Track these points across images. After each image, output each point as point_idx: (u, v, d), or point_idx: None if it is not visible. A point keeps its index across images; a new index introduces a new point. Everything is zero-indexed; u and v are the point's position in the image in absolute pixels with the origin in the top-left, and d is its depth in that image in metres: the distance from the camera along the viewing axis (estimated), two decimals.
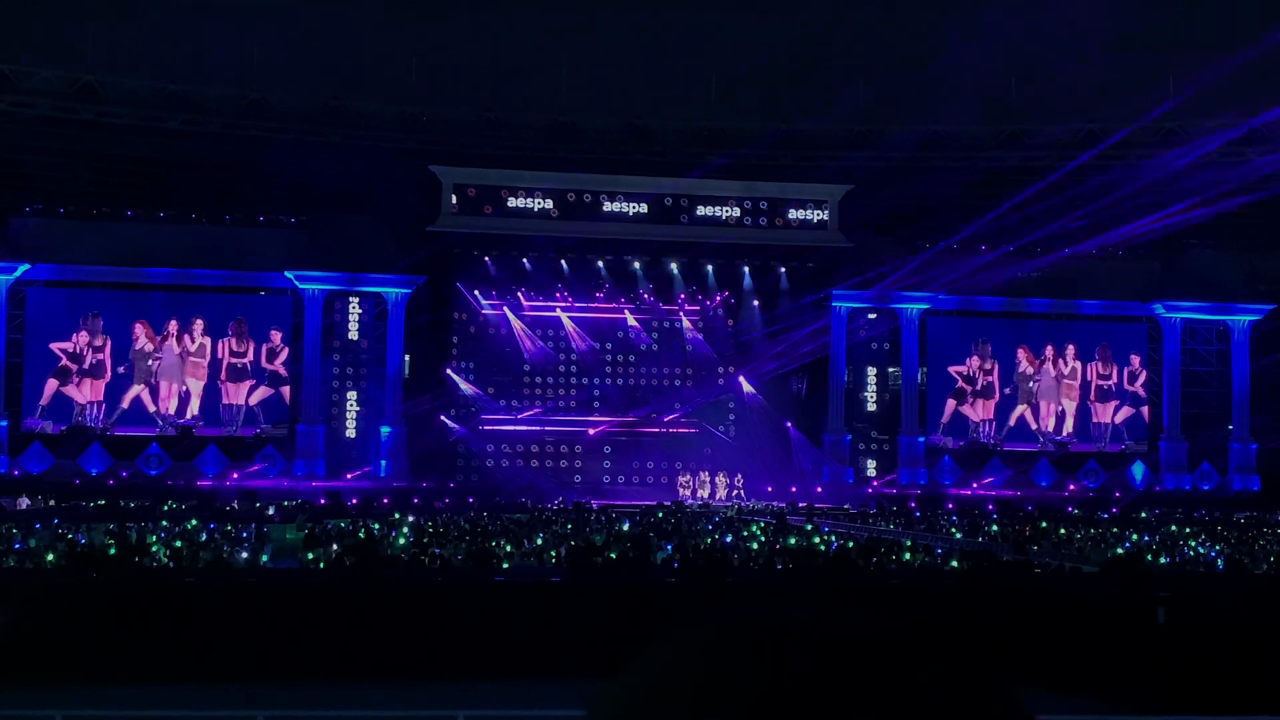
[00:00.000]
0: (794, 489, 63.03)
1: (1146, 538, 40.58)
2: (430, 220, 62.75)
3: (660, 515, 49.54)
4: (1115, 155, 63.40)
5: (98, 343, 60.98)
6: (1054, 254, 63.85)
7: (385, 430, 61.76)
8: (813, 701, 1.31)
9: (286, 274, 61.14)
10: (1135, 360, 67.74)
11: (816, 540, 36.17)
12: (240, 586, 23.92)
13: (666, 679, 1.38)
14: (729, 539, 37.00)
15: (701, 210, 64.96)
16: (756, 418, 67.65)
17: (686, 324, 69.71)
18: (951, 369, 66.72)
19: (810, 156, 64.21)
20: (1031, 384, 67.26)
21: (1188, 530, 44.58)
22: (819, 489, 62.44)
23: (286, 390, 62.34)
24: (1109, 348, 67.60)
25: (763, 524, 44.46)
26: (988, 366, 67.00)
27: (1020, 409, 67.05)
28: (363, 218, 61.02)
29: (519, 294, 67.73)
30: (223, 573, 25.88)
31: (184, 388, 61.89)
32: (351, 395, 63.30)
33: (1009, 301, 65.88)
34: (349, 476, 60.83)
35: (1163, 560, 32.77)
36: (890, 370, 66.95)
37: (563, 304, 68.17)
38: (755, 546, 34.26)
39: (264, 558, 30.54)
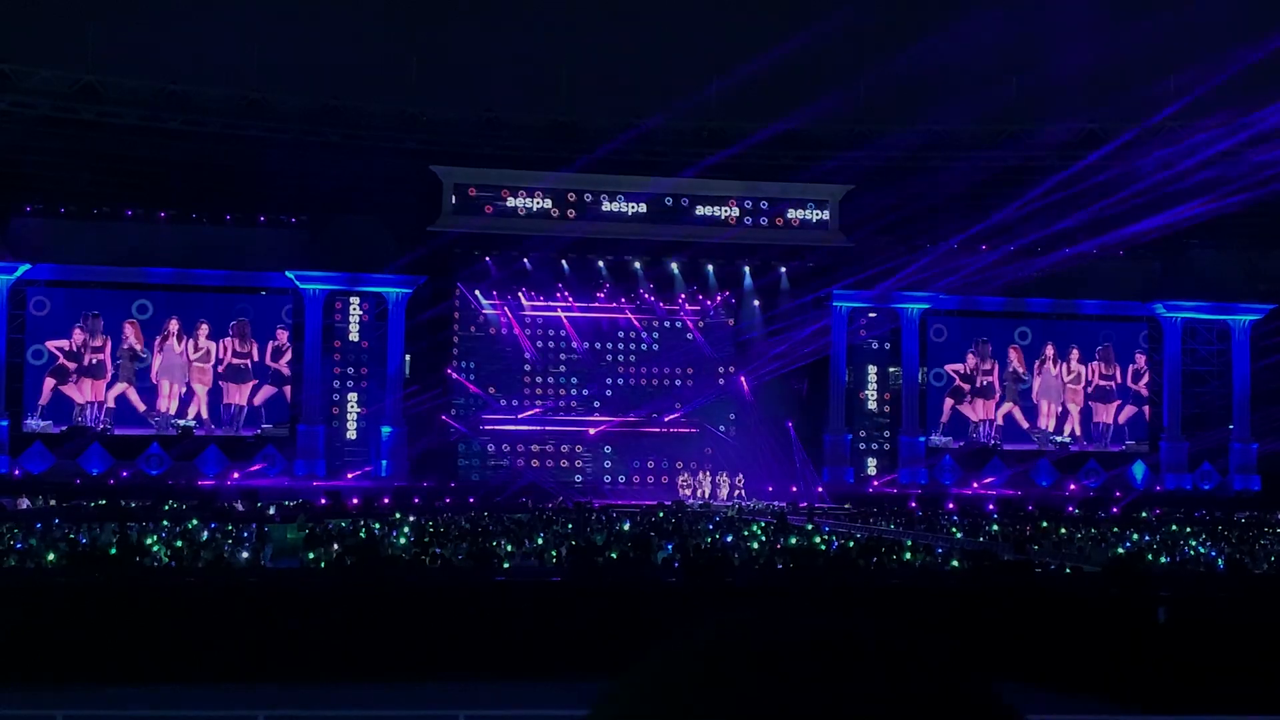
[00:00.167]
0: (794, 489, 63.06)
1: (1147, 537, 40.57)
2: (431, 220, 62.76)
3: (661, 515, 49.54)
4: (1116, 154, 63.34)
5: (96, 343, 60.99)
6: (1055, 253, 63.84)
7: (386, 430, 61.77)
8: (814, 705, 1.31)
9: (287, 274, 61.17)
10: (1139, 360, 67.78)
11: (817, 540, 36.17)
12: (241, 586, 23.92)
13: (670, 681, 1.38)
14: (730, 539, 37.00)
15: (702, 210, 64.98)
16: (757, 417, 67.64)
17: (687, 324, 69.78)
18: (948, 368, 66.74)
19: (811, 156, 64.18)
20: (1024, 384, 67.27)
21: (1188, 530, 44.57)
22: (819, 489, 62.45)
23: (288, 390, 62.39)
24: (1111, 348, 67.62)
25: (763, 524, 44.46)
26: (987, 366, 67.00)
27: (1007, 407, 67.00)
28: (363, 217, 61.04)
29: (519, 294, 67.77)
30: (223, 572, 25.89)
31: (183, 389, 61.84)
32: (352, 395, 63.32)
33: (1010, 301, 65.93)
34: (350, 476, 60.86)
35: (1163, 560, 32.78)
36: (891, 370, 66.99)
37: (563, 304, 68.22)
38: (756, 546, 34.27)
39: (265, 558, 30.55)
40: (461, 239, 63.71)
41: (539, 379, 69.40)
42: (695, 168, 62.74)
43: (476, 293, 67.26)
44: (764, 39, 58.98)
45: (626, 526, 41.31)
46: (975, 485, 64.09)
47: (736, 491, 64.45)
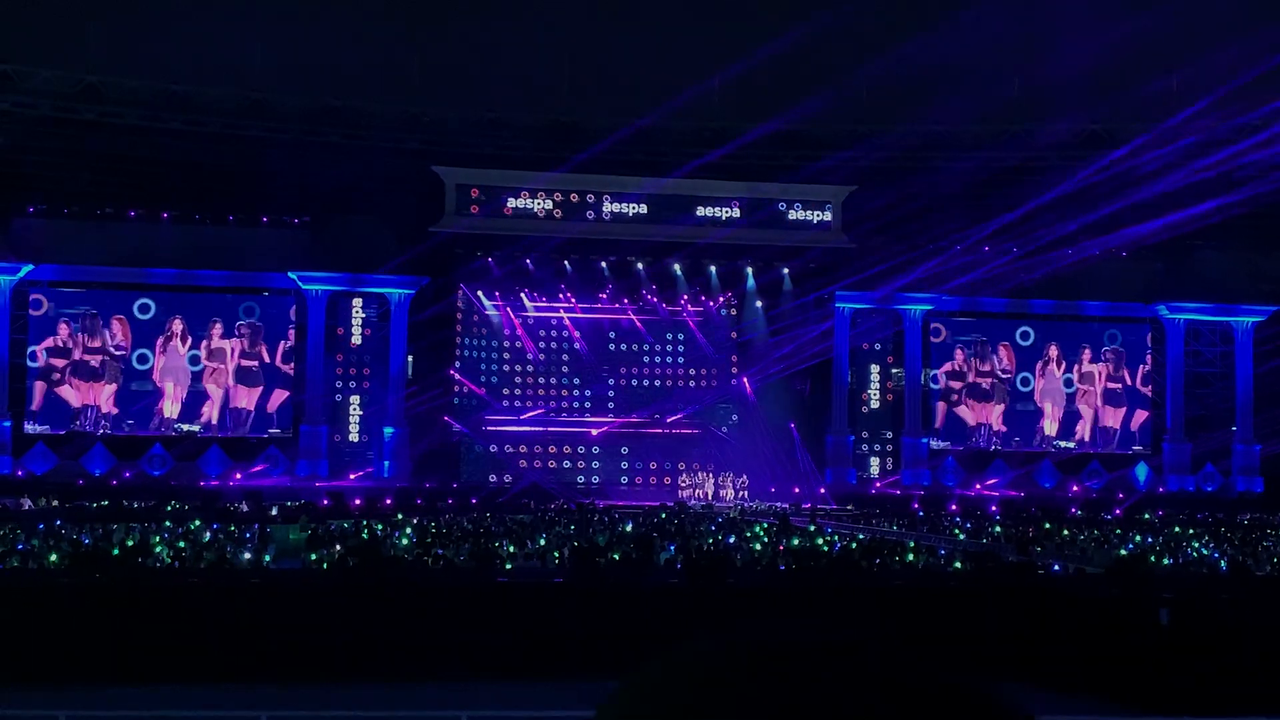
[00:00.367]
0: (797, 490, 63.04)
1: (1150, 539, 40.54)
2: (433, 220, 62.75)
3: (663, 516, 49.54)
4: (1119, 154, 63.25)
5: (94, 343, 60.92)
6: (1057, 254, 63.77)
7: (388, 431, 61.77)
8: (817, 711, 1.30)
9: (290, 275, 61.20)
10: (1142, 361, 67.74)
11: (820, 541, 36.15)
12: (243, 587, 23.92)
13: (674, 686, 1.38)
14: (732, 540, 36.99)
15: (704, 211, 64.94)
16: (759, 418, 67.61)
17: (689, 325, 69.78)
18: (940, 370, 66.56)
19: (812, 156, 64.13)
20: (1027, 386, 67.19)
21: (1191, 532, 44.53)
22: (821, 490, 62.44)
23: (288, 391, 62.47)
24: (1123, 352, 67.52)
25: (766, 525, 44.44)
26: (985, 368, 66.89)
27: (999, 409, 66.84)
28: (365, 218, 61.09)
29: (522, 294, 67.79)
30: (226, 573, 25.90)
31: (185, 392, 61.71)
32: (354, 398, 63.28)
33: (1012, 302, 65.91)
34: (352, 477, 60.87)
35: (1166, 562, 32.76)
36: (894, 371, 66.96)
37: (565, 304, 68.24)
38: (758, 548, 34.26)
39: (267, 558, 30.56)
40: (463, 239, 63.71)
41: (541, 380, 69.43)
42: (697, 166, 62.66)
43: (479, 293, 67.28)
44: (766, 39, 58.85)
45: (629, 528, 41.30)
46: (978, 486, 64.07)
47: (739, 492, 64.45)
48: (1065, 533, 43.41)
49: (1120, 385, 67.51)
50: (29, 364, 60.16)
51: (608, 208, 64.43)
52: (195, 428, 61.40)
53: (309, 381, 61.53)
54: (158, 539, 33.37)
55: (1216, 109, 60.02)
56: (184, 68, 62.89)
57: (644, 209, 64.53)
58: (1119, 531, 44.08)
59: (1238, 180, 60.51)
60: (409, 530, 38.35)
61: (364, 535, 36.34)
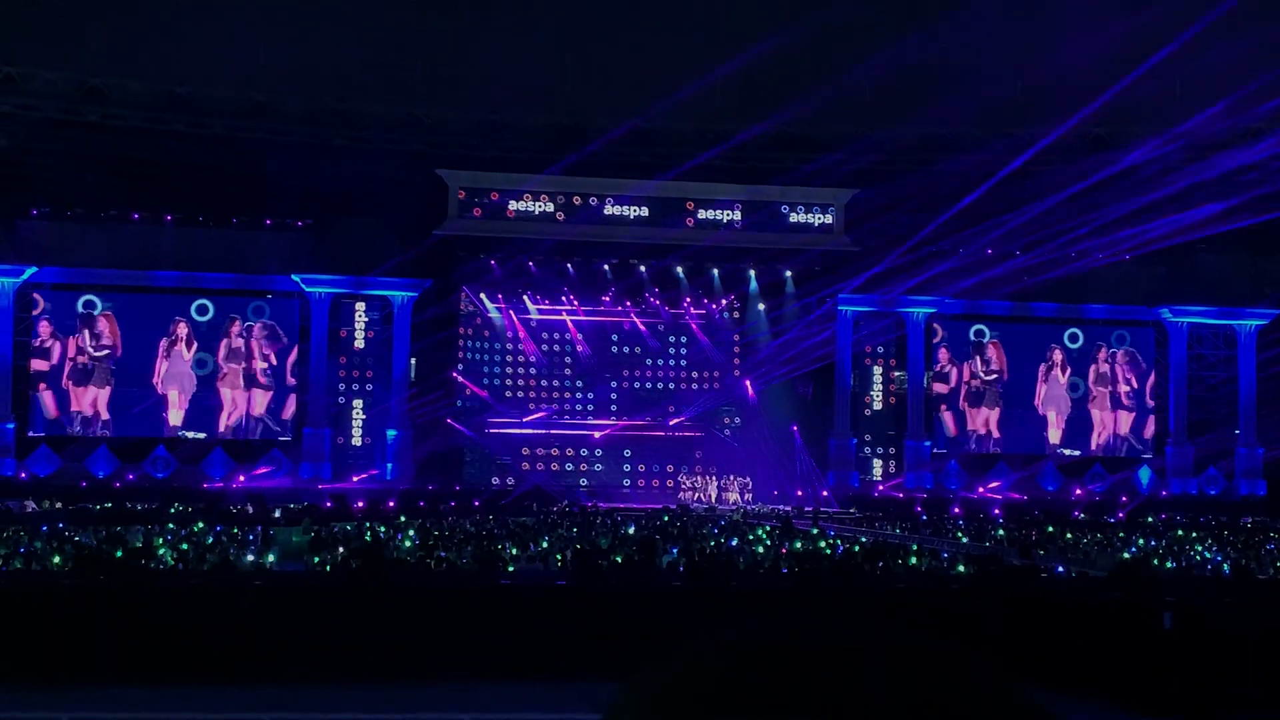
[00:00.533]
0: (800, 493, 63.03)
1: (1153, 542, 40.52)
2: (436, 223, 62.80)
3: (666, 519, 49.55)
4: (1122, 157, 63.18)
5: (92, 347, 60.90)
6: (1061, 257, 63.75)
7: (391, 433, 61.81)
8: (827, 709, 1.31)
9: (293, 277, 61.26)
10: (1145, 365, 67.71)
11: (822, 544, 36.14)
12: (246, 589, 23.92)
13: (682, 690, 1.38)
14: (735, 543, 36.98)
15: (707, 213, 64.97)
16: (762, 421, 67.63)
17: (692, 327, 69.79)
18: (932, 374, 66.43)
19: (815, 159, 64.11)
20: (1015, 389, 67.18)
21: (1194, 535, 44.51)
22: (824, 493, 62.43)
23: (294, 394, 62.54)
24: (1134, 352, 67.44)
25: (768, 528, 44.43)
26: (979, 370, 66.75)
27: (988, 413, 66.65)
28: (368, 220, 61.18)
29: (525, 297, 67.84)
30: (229, 575, 25.90)
31: (188, 400, 61.69)
32: (358, 402, 63.29)
33: (1016, 305, 65.90)
34: (355, 479, 60.92)
35: (1169, 565, 32.74)
36: (896, 374, 66.94)
37: (568, 307, 68.28)
38: (761, 550, 34.26)
39: (270, 560, 30.57)
40: (466, 242, 63.78)
41: (544, 382, 69.46)
42: (698, 168, 62.68)
43: (482, 296, 67.35)
44: (767, 41, 58.85)
45: (631, 530, 41.32)
46: (981, 489, 64.05)
47: (742, 495, 64.45)
48: (1068, 536, 43.37)
49: (1131, 389, 67.34)
50: (32, 366, 60.21)
51: (609, 210, 64.44)
52: (202, 435, 61.37)
53: (312, 384, 61.60)
54: (161, 541, 33.38)
55: (1221, 111, 59.98)
56: (187, 70, 62.96)
57: (648, 212, 64.55)
58: (1122, 535, 44.08)
59: (1241, 183, 60.44)
60: (411, 533, 38.36)
61: (367, 538, 36.33)
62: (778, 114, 62.15)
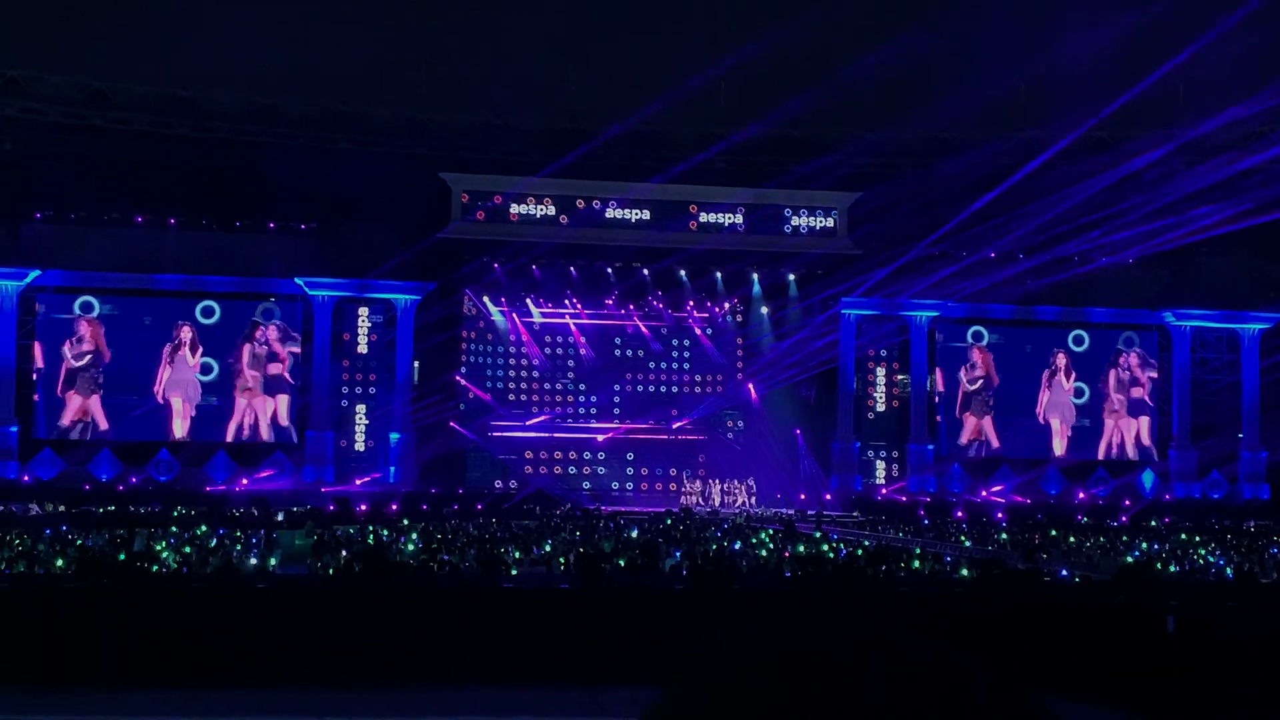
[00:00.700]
0: (803, 496, 63.01)
1: (1156, 546, 40.48)
2: (439, 226, 62.80)
3: (669, 522, 49.54)
4: (1124, 160, 63.15)
5: (90, 349, 60.81)
6: (1064, 261, 63.71)
7: (394, 436, 61.81)
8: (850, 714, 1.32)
9: (296, 280, 61.29)
10: (1147, 368, 67.63)
11: (825, 548, 36.13)
12: (249, 592, 23.94)
13: (719, 696, 1.38)
14: (738, 546, 36.97)
15: (710, 217, 64.94)
16: (765, 425, 67.62)
17: (695, 331, 69.80)
18: (934, 378, 66.28)
19: (819, 163, 64.08)
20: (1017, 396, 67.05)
21: (1197, 539, 44.46)
22: (827, 496, 62.41)
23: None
24: (1144, 354, 67.32)
25: (771, 531, 44.42)
26: (966, 378, 66.53)
27: (977, 422, 66.34)
28: (372, 224, 61.19)
29: (528, 300, 67.86)
30: (231, 578, 25.90)
31: (194, 409, 61.55)
32: (360, 407, 63.26)
33: (1018, 309, 65.85)
34: (358, 482, 60.92)
35: (1173, 569, 32.71)
36: (900, 378, 66.90)
37: (571, 310, 68.30)
38: (764, 554, 34.25)
39: (273, 563, 30.59)
40: (469, 245, 63.77)
41: (547, 386, 69.47)
42: (701, 172, 62.66)
43: (485, 299, 67.36)
44: (770, 44, 58.90)
45: (634, 533, 41.31)
46: (984, 493, 64.02)
47: (745, 499, 64.44)
48: (1071, 539, 43.37)
49: (1144, 392, 67.19)
50: (35, 369, 60.24)
51: (611, 213, 64.42)
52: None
53: (315, 387, 61.61)
54: (163, 544, 33.40)
55: (1224, 113, 59.95)
56: (191, 73, 63.05)
57: (651, 215, 64.53)
58: (1125, 538, 44.03)
59: (1245, 186, 60.39)
60: (414, 536, 38.37)
61: (369, 540, 36.34)
62: (780, 116, 62.20)
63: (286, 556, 32.62)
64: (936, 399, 66.20)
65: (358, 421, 63.08)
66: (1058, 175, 62.44)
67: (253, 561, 30.53)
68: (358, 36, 68.63)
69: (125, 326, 60.97)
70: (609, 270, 66.56)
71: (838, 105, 62.85)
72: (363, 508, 53.14)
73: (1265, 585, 28.68)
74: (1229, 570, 31.65)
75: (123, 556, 27.10)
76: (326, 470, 60.75)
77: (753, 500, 64.69)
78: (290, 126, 63.17)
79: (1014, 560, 32.78)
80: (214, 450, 60.71)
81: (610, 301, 68.21)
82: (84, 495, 55.52)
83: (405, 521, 46.30)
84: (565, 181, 63.17)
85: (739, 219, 65.11)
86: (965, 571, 28.70)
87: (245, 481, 59.60)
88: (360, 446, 62.92)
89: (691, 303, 68.93)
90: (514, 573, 27.76)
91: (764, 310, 68.63)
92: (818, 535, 42.96)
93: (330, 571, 28.14)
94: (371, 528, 42.41)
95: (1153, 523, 55.26)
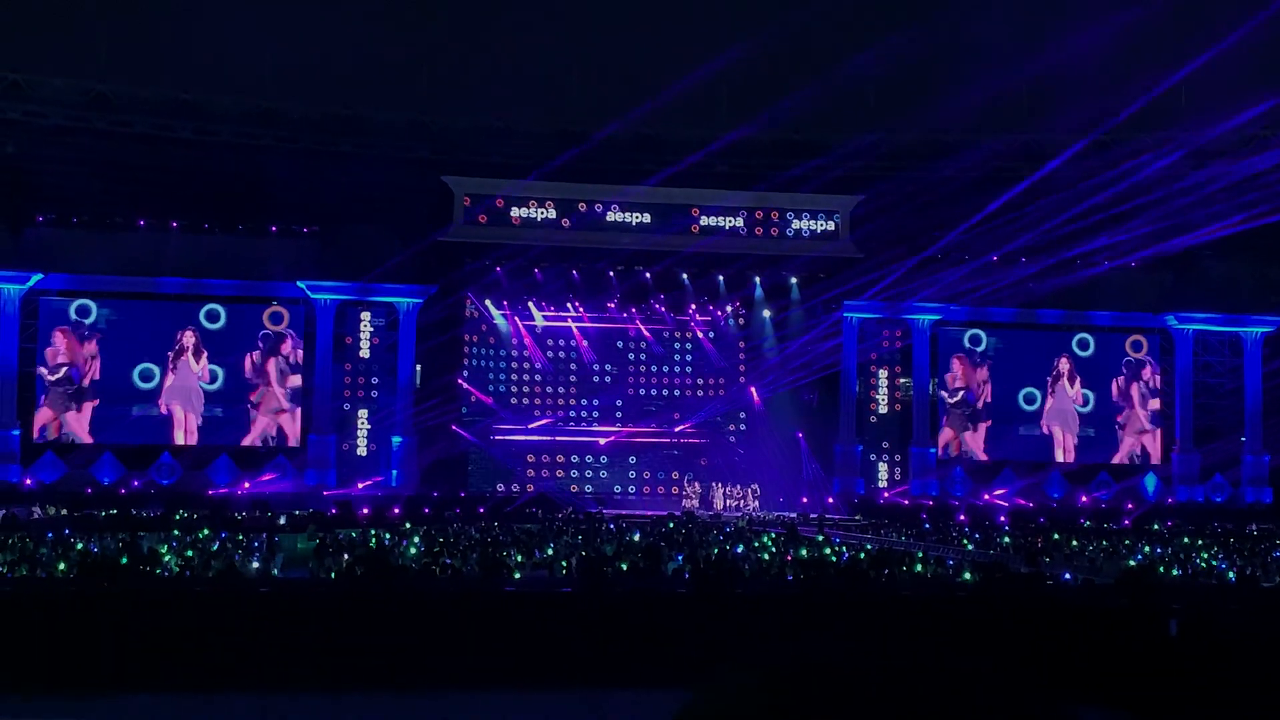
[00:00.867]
0: (805, 499, 62.97)
1: (1159, 550, 40.45)
2: (441, 229, 62.81)
3: (671, 525, 49.50)
4: (1127, 164, 63.13)
5: (88, 352, 60.78)
6: (1066, 265, 63.68)
7: (397, 440, 61.80)
8: None
9: (298, 284, 61.30)
10: (1149, 372, 67.58)
11: (828, 551, 36.10)
12: (251, 596, 23.93)
13: (748, 708, 1.38)
14: (740, 549, 36.95)
15: (712, 220, 64.93)
16: (767, 428, 67.59)
17: (697, 334, 69.78)
18: (936, 381, 66.10)
19: (820, 166, 64.08)
20: (1019, 403, 66.95)
21: (1200, 542, 44.42)
22: (830, 499, 62.37)
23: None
24: (1150, 360, 67.19)
25: (774, 535, 44.38)
26: (946, 393, 66.30)
27: (955, 434, 66.02)
28: (374, 227, 61.19)
29: (530, 303, 67.86)
30: (234, 582, 25.90)
31: (198, 419, 61.47)
32: (363, 411, 63.22)
33: (1021, 312, 65.80)
34: (360, 486, 60.91)
35: (1175, 572, 32.68)
36: (902, 381, 66.86)
37: (573, 314, 68.29)
38: (766, 557, 34.23)
39: (275, 567, 30.58)
40: (471, 248, 63.77)
41: (549, 389, 69.46)
42: (702, 175, 62.66)
43: (487, 302, 67.35)
44: (771, 46, 58.98)
45: (636, 537, 41.30)
46: (986, 496, 63.98)
47: (747, 502, 64.39)
48: (1074, 543, 43.34)
49: (1160, 404, 67.03)
50: (37, 373, 60.26)
51: (612, 215, 64.41)
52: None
53: (317, 390, 61.60)
54: (166, 548, 33.40)
55: (1228, 116, 59.93)
56: (193, 77, 63.12)
57: (653, 219, 64.53)
58: (1128, 542, 44.00)
59: (1248, 189, 60.36)
60: (417, 539, 38.36)
61: (372, 544, 36.33)
62: (781, 119, 62.20)
63: (289, 560, 32.63)
64: (939, 402, 66.18)
65: (360, 425, 63.07)
66: (1060, 178, 62.45)
67: (255, 565, 30.53)
68: (359, 39, 68.71)
69: (124, 332, 60.85)
70: (610, 273, 66.56)
71: (839, 107, 62.87)
72: (365, 511, 53.13)
73: (1268, 589, 28.66)
74: (1231, 574, 31.65)
75: (125, 560, 27.09)
76: (329, 474, 60.74)
77: (755, 504, 64.65)
78: (292, 129, 63.22)
79: (1016, 564, 32.77)
80: (216, 454, 60.71)
81: (612, 304, 68.21)
82: (86, 499, 55.53)
83: (407, 525, 46.29)
84: (567, 184, 63.22)
85: (740, 221, 65.11)
86: (968, 575, 28.67)
87: (247, 485, 59.61)
88: (362, 450, 62.89)
89: (693, 306, 68.91)
90: (516, 576, 27.74)
91: (766, 313, 68.60)
92: (820, 539, 42.93)
93: (332, 575, 28.13)
94: (374, 531, 42.37)
95: (1155, 526, 55.19)
